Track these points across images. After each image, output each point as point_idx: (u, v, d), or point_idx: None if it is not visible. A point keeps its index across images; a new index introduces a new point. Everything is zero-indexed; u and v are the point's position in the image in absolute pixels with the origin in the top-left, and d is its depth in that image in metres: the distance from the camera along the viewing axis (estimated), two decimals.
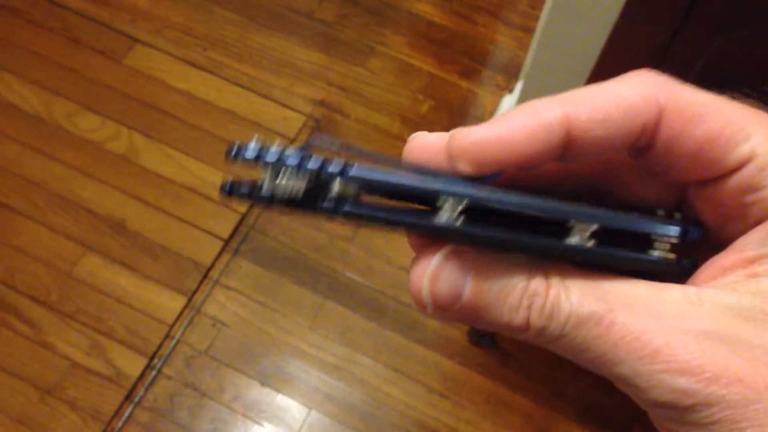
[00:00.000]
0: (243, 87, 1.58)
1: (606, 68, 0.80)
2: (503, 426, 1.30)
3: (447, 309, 0.22)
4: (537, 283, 0.21)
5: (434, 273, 0.22)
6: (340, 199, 0.22)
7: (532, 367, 1.33)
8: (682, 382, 0.20)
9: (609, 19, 0.85)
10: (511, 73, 1.60)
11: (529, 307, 0.21)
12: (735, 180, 0.22)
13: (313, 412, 1.30)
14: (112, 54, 1.61)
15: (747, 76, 0.66)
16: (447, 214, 0.22)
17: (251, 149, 0.22)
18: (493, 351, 1.34)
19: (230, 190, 0.23)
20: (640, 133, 0.22)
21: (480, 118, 1.56)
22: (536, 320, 0.21)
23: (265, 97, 1.57)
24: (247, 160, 0.22)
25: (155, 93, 1.57)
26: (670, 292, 0.22)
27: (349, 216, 0.22)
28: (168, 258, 1.41)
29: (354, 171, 0.22)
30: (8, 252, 1.41)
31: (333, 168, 0.22)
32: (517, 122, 0.21)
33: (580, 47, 1.17)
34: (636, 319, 0.21)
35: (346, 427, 1.29)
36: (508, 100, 1.51)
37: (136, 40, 1.63)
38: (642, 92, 0.21)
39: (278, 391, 1.31)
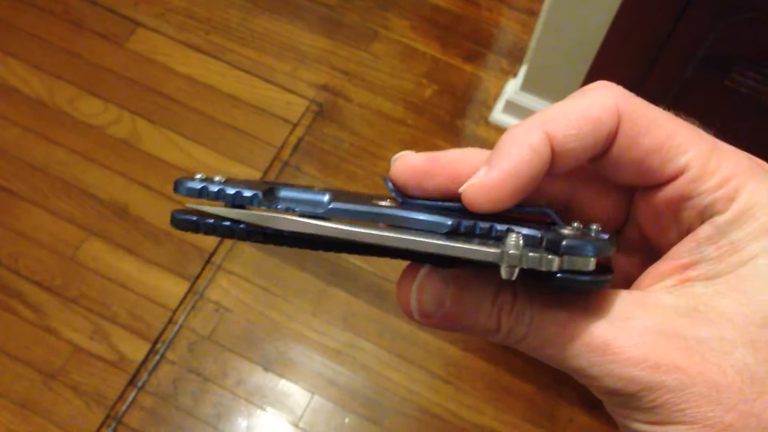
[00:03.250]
0: (246, 71, 1.58)
1: (610, 52, 0.79)
2: (506, 411, 1.30)
3: (431, 315, 0.25)
4: (505, 296, 0.25)
5: (420, 284, 0.25)
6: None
7: None
8: (629, 371, 0.23)
9: (613, 3, 0.84)
10: (515, 57, 1.59)
11: (500, 311, 0.25)
12: (670, 189, 0.25)
13: (316, 397, 1.30)
14: (114, 38, 1.60)
15: (750, 60, 0.65)
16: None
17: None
18: None
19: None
20: (606, 141, 0.25)
21: (484, 103, 1.55)
22: (506, 321, 0.25)
23: (268, 81, 1.57)
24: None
25: (157, 77, 1.56)
26: (618, 296, 0.25)
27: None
28: (171, 243, 1.41)
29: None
30: (11, 237, 1.41)
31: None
32: (516, 156, 0.24)
33: (585, 31, 1.15)
34: (588, 319, 0.24)
35: (349, 412, 1.29)
36: (513, 84, 1.50)
37: (138, 23, 1.62)
38: (604, 105, 0.25)
39: (281, 376, 1.32)
